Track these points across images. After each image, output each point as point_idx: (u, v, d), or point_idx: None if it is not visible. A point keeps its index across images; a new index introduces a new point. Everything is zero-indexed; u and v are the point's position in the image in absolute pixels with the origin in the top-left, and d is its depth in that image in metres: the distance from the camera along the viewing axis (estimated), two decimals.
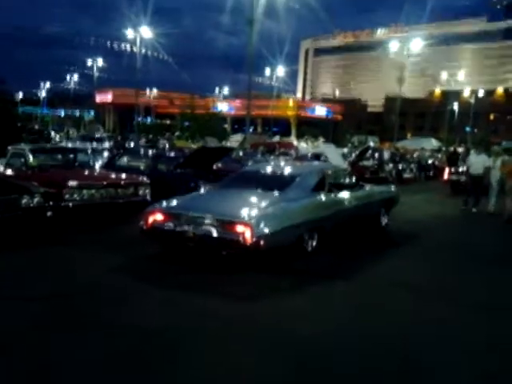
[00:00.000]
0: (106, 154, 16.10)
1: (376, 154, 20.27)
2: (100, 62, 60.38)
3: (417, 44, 51.75)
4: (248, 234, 6.20)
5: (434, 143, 42.63)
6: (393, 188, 10.87)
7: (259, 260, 6.66)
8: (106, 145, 20.94)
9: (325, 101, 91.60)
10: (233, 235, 6.32)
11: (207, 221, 6.57)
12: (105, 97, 79.91)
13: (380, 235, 9.39)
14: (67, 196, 8.82)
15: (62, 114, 72.29)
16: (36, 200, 7.81)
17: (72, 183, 8.97)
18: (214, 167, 13.19)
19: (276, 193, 7.39)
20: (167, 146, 28.51)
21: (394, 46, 53.46)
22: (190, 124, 44.61)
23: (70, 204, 8.82)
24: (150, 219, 7.05)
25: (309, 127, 60.86)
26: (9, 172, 9.68)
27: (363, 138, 48.12)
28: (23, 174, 9.52)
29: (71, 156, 11.22)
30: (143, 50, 42.18)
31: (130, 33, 39.43)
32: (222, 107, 67.76)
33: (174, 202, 7.41)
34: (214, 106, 64.90)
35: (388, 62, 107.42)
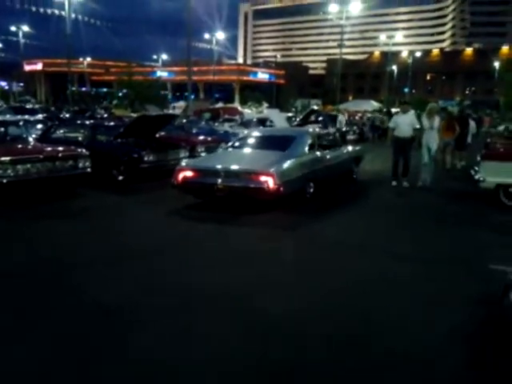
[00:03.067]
0: (40, 126, 15.14)
1: (320, 118, 20.33)
2: (26, 28, 56.53)
3: (355, 7, 51.96)
4: (271, 182, 7.74)
5: (374, 105, 43.53)
6: (360, 148, 12.78)
7: (275, 203, 8.19)
8: (39, 116, 19.76)
9: (266, 65, 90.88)
10: (258, 183, 7.83)
11: (235, 173, 8.12)
12: (34, 66, 75.43)
13: (352, 184, 11.39)
14: (0, 172, 8.22)
15: None
16: None
17: (4, 158, 8.34)
18: (157, 136, 12.75)
19: (282, 151, 8.79)
20: (105, 115, 27.39)
21: (333, 8, 53.52)
22: (127, 92, 42.94)
23: (4, 180, 8.24)
24: (181, 176, 8.40)
25: (252, 92, 60.32)
26: None
27: (306, 101, 48.36)
28: None
29: (1, 129, 10.45)
30: (73, 16, 39.81)
31: None
32: (162, 74, 65.71)
33: (201, 160, 9.61)
34: (152, 73, 62.81)
35: (328, 25, 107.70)
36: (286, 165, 8.33)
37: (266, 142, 9.53)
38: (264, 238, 6.68)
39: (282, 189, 7.81)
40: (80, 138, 11.71)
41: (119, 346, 3.65)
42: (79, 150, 9.67)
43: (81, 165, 9.42)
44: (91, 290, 4.69)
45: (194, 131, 16.07)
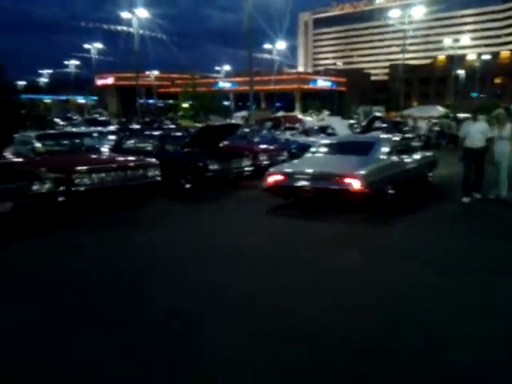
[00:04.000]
0: (111, 137, 15.99)
1: (384, 125, 20.03)
2: (98, 45, 59.82)
3: (418, 11, 50.68)
4: (357, 184, 8.32)
5: (440, 110, 42.13)
6: (434, 153, 13.22)
7: (359, 204, 8.68)
8: (111, 128, 20.85)
9: (327, 73, 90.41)
10: (344, 185, 8.42)
11: (323, 176, 8.76)
12: (106, 81, 79.38)
13: (428, 188, 11.59)
14: (77, 181, 8.78)
15: (63, 99, 71.97)
16: (47, 186, 7.78)
17: (81, 168, 8.92)
18: (221, 145, 13.09)
19: (364, 156, 9.34)
20: (171, 125, 28.35)
21: (394, 13, 52.44)
22: (192, 103, 44.23)
23: (81, 188, 8.80)
24: (271, 179, 9.24)
25: (313, 100, 60.22)
26: (17, 159, 9.62)
27: (368, 108, 47.63)
28: (31, 160, 9.47)
29: (78, 141, 11.15)
30: (141, 32, 41.62)
31: (126, 15, 38.89)
32: (224, 85, 67.07)
33: (289, 165, 9.95)
34: (215, 84, 64.29)
35: (390, 30, 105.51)
36: (370, 168, 8.88)
37: (347, 148, 10.15)
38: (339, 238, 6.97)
39: (366, 190, 8.37)
40: (149, 148, 12.24)
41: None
42: (149, 159, 10.14)
43: (151, 174, 9.87)
44: (162, 296, 4.93)
45: (256, 140, 16.32)
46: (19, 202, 7.32)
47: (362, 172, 8.57)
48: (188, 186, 11.17)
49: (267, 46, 61.41)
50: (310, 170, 9.08)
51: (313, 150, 10.73)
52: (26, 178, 7.68)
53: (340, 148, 10.31)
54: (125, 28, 45.79)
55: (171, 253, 6.34)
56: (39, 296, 4.88)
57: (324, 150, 10.49)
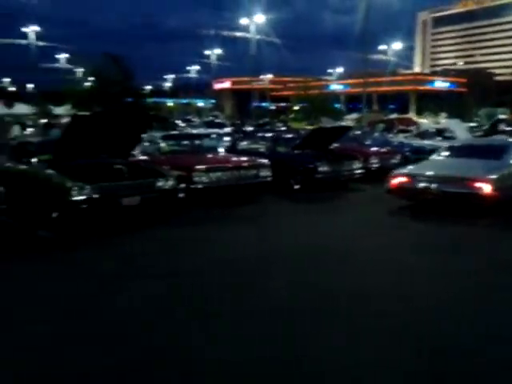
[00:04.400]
0: (227, 138, 16.79)
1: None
2: (218, 51, 62.77)
3: None
4: (488, 189, 8.21)
5: None
6: None
7: (486, 209, 8.48)
8: (227, 130, 21.91)
9: (446, 73, 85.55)
10: (474, 189, 8.31)
11: (450, 179, 8.69)
12: (223, 85, 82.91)
13: None
14: (196, 179, 9.43)
15: (183, 102, 76.62)
16: (170, 183, 8.47)
17: (200, 167, 9.56)
18: (332, 147, 13.14)
19: (496, 160, 9.14)
20: (282, 128, 28.89)
21: None
22: (304, 105, 44.63)
23: (199, 186, 9.43)
24: (395, 181, 9.25)
25: (430, 102, 57.42)
26: (144, 158, 10.55)
27: (492, 110, 44.31)
28: (157, 159, 10.34)
29: (198, 141, 11.92)
30: (257, 37, 42.94)
31: (244, 21, 40.34)
32: (336, 87, 66.57)
33: (415, 168, 9.79)
34: (327, 86, 64.06)
35: None
36: (502, 173, 8.72)
37: (477, 151, 9.90)
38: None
39: (496, 195, 8.24)
40: (262, 149, 12.70)
41: None
42: (261, 160, 10.56)
43: (262, 174, 10.28)
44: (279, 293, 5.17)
45: (368, 142, 16.10)
46: (146, 196, 8.06)
47: (494, 176, 8.43)
48: (297, 186, 11.40)
49: (382, 46, 59.88)
50: (437, 173, 9.03)
51: (440, 152, 10.53)
52: (152, 175, 8.44)
53: (468, 151, 10.02)
54: (242, 34, 47.55)
55: (282, 249, 6.59)
56: (186, 285, 5.24)
57: (450, 153, 10.28)
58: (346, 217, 8.90)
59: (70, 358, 3.60)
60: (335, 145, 13.53)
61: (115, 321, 4.32)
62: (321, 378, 3.40)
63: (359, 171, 12.25)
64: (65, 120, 25.84)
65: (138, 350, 3.72)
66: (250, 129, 25.60)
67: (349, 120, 39.41)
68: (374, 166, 13.17)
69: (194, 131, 17.57)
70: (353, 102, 60.48)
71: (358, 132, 18.19)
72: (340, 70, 76.61)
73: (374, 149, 14.38)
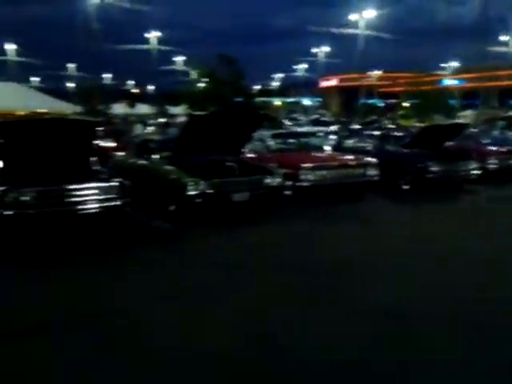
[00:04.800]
0: (333, 136, 16.75)
1: None
2: (325, 49, 62.42)
3: None
4: None
5: None
6: None
7: None
8: (333, 128, 21.85)
9: None
10: None
11: None
12: (329, 82, 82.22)
13: None
14: (303, 177, 9.59)
15: (290, 101, 77.34)
16: (277, 180, 8.73)
17: (307, 165, 9.70)
18: (446, 146, 12.54)
19: None
20: (390, 125, 27.99)
21: None
22: (414, 102, 42.79)
23: (305, 184, 9.58)
24: None
25: None
26: (253, 155, 10.94)
27: None
28: (265, 157, 10.66)
29: (305, 140, 12.07)
30: (366, 32, 42.03)
31: (353, 17, 39.70)
32: (450, 82, 62.73)
33: None
34: (439, 81, 60.64)
35: None
36: None
37: None
38: None
39: None
40: (369, 148, 12.50)
41: None
42: (368, 159, 10.42)
43: (369, 173, 10.15)
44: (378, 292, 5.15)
45: (486, 141, 15.08)
46: (255, 192, 8.39)
47: None
48: (406, 187, 11.06)
49: (504, 37, 55.25)
50: None
51: None
52: (260, 172, 8.75)
53: None
54: (351, 30, 46.82)
55: (384, 248, 6.51)
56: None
57: None
58: (461, 218, 8.48)
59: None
60: (449, 143, 12.90)
61: (246, 308, 4.58)
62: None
63: (475, 172, 11.55)
64: (180, 119, 27.50)
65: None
66: (357, 127, 25.19)
67: (463, 117, 37.11)
68: (492, 166, 12.35)
69: (301, 129, 17.74)
70: (469, 98, 56.67)
71: (475, 130, 17.11)
72: (455, 63, 72.09)
73: (493, 148, 13.44)
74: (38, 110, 18.68)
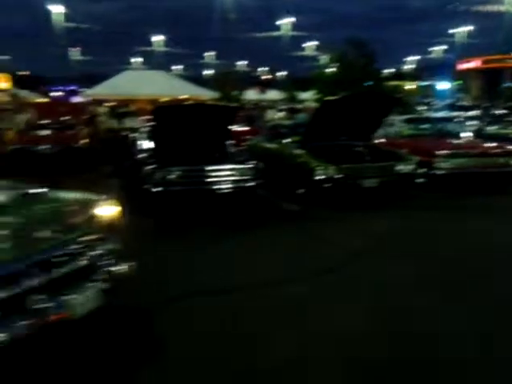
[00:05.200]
0: (472, 122, 15.63)
1: None
2: (464, 29, 57.77)
3: None
4: None
5: None
6: None
7: None
8: (472, 113, 20.34)
9: None
10: None
11: None
12: (469, 64, 76.12)
13: None
14: (437, 164, 9.18)
15: (424, 84, 73.17)
16: (409, 167, 8.48)
17: (442, 152, 9.26)
18: None
19: None
20: None
21: None
22: None
23: (439, 172, 9.16)
24: None
25: None
26: (383, 141, 10.70)
27: None
28: (396, 142, 10.37)
29: (440, 125, 11.49)
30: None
31: None
32: None
33: None
34: None
35: None
36: None
37: None
38: None
39: None
40: None
41: None
42: None
43: None
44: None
45: None
46: (385, 179, 8.27)
47: None
48: None
49: None
50: None
51: None
52: (391, 158, 8.58)
53: None
54: (495, 8, 42.61)
55: None
56: None
57: None
58: None
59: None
60: None
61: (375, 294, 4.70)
62: None
63: None
64: (306, 105, 27.65)
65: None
66: (501, 112, 23.12)
67: None
68: None
69: (435, 115, 16.82)
70: None
71: None
72: None
73: None
74: (180, 97, 20.14)
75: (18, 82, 42.05)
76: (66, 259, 3.28)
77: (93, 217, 3.62)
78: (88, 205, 3.64)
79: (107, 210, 3.72)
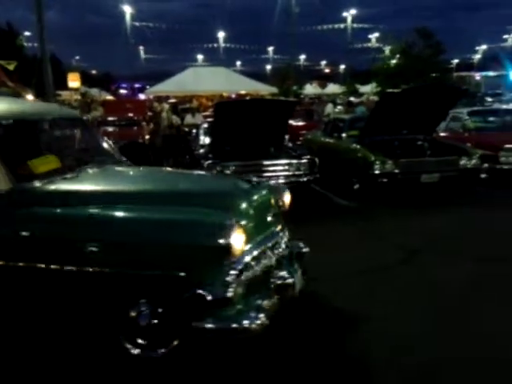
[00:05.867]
0: None
1: None
2: None
3: None
4: None
5: None
6: None
7: None
8: None
9: None
10: None
11: None
12: None
13: None
14: (503, 159, 8.76)
15: (493, 75, 69.54)
16: (473, 162, 8.15)
17: (508, 146, 8.82)
18: None
19: None
20: None
21: None
22: None
23: (506, 167, 8.74)
24: None
25: None
26: (448, 134, 10.32)
27: None
28: (460, 136, 9.98)
29: (507, 118, 10.91)
30: None
31: None
32: None
33: None
34: None
35: None
36: None
37: None
38: None
39: None
40: None
41: None
42: None
43: None
44: None
45: None
46: (446, 174, 7.99)
47: None
48: None
49: None
50: None
51: None
52: (454, 153, 8.28)
53: None
54: None
55: None
56: None
57: None
58: None
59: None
60: None
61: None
62: None
63: None
64: (365, 98, 27.06)
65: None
66: None
67: None
68: None
69: (502, 106, 15.86)
70: None
71: None
72: None
73: None
74: (240, 92, 20.40)
75: (87, 80, 44.11)
76: (280, 242, 3.81)
77: (282, 203, 4.18)
78: (278, 193, 4.20)
79: (287, 197, 4.28)
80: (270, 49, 68.92)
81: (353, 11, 50.58)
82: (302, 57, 66.78)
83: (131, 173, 4.46)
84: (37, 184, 3.56)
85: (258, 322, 3.08)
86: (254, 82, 24.51)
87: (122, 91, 51.78)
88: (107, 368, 3.27)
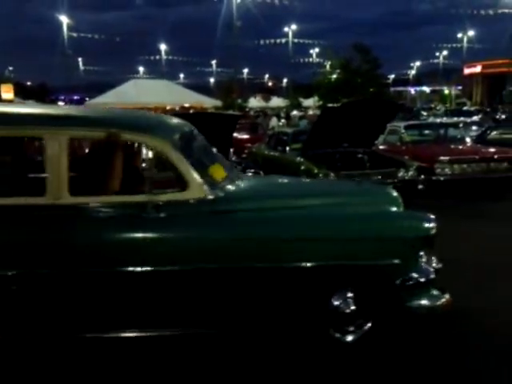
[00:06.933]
0: (475, 127, 15.55)
1: None
2: (470, 33, 57.83)
3: None
4: None
5: None
6: None
7: None
8: (475, 118, 20.30)
9: None
10: None
11: None
12: (473, 69, 76.14)
13: None
14: (438, 170, 9.16)
15: (427, 90, 73.16)
16: (410, 173, 8.46)
17: (443, 158, 9.24)
18: None
19: None
20: None
21: None
22: None
23: (441, 178, 9.13)
24: None
25: None
26: (386, 147, 10.68)
27: None
28: (397, 149, 10.36)
29: (442, 131, 11.46)
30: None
31: None
32: None
33: None
34: None
35: None
36: None
37: None
38: None
39: None
40: None
41: None
42: None
43: None
44: None
45: None
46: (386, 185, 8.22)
47: None
48: None
49: None
50: None
51: None
52: (392, 165, 8.56)
53: None
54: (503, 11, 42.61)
55: None
56: None
57: None
58: None
59: None
60: None
61: None
62: None
63: None
64: (309, 112, 27.66)
65: None
66: (504, 117, 23.05)
67: None
68: None
69: (438, 120, 16.74)
70: None
71: None
72: None
73: None
74: (184, 105, 20.25)
75: (21, 91, 42.34)
76: None
77: None
78: None
79: None
80: (213, 62, 69.20)
81: (294, 26, 51.79)
82: (246, 70, 67.49)
83: (279, 180, 4.90)
84: (229, 190, 3.68)
85: (449, 299, 3.63)
86: (197, 95, 24.46)
87: (60, 103, 50.13)
88: (322, 360, 3.50)
